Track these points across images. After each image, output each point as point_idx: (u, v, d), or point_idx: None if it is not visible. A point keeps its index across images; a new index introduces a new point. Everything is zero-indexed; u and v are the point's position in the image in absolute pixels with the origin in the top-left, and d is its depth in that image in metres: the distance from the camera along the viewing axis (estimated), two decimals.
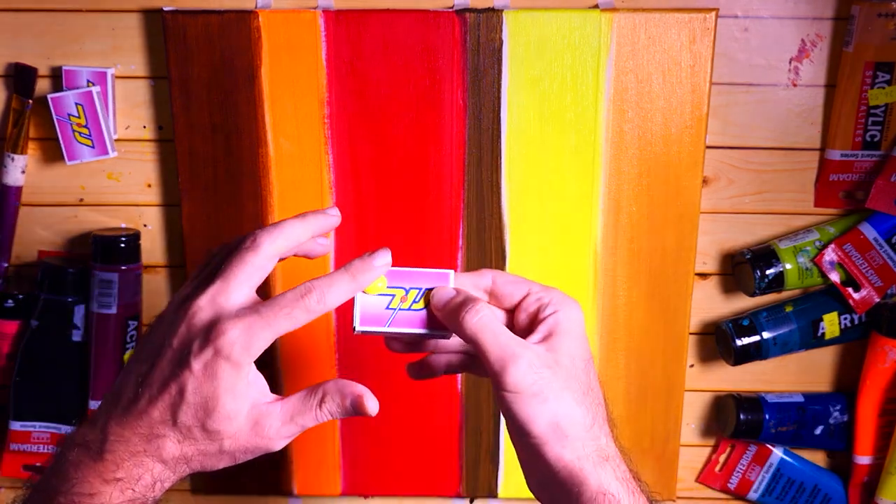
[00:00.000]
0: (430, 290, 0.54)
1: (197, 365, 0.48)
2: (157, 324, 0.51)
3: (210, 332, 0.48)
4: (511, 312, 0.55)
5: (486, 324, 0.51)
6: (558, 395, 0.50)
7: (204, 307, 0.49)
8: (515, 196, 0.79)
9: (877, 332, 0.80)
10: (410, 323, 0.54)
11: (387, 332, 0.55)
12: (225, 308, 0.49)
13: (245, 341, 0.47)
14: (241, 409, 0.49)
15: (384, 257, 0.52)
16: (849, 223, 0.79)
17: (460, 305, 0.52)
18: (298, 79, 0.76)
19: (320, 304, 0.49)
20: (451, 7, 0.76)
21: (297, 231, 0.52)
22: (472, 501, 0.88)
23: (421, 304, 0.54)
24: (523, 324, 0.54)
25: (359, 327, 0.54)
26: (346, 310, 0.82)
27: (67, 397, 0.81)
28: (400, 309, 0.54)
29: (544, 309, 0.53)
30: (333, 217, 0.54)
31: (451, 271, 0.54)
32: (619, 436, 0.55)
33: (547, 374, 0.50)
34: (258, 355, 0.48)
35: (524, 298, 0.54)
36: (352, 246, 0.80)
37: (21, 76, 0.78)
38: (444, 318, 0.53)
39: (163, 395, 0.48)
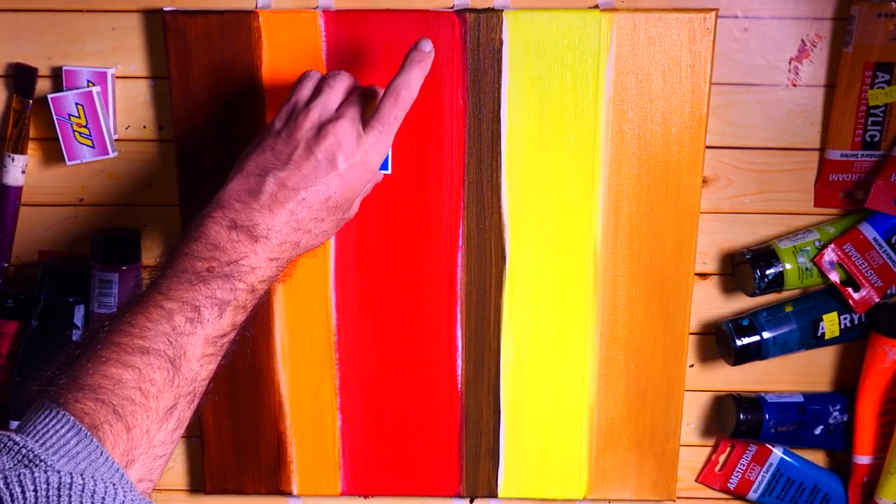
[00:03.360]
0: None
1: (343, 163, 0.62)
2: (277, 132, 0.64)
3: (357, 161, 0.63)
4: None
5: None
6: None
7: (311, 114, 0.64)
8: (515, 196, 0.79)
9: (877, 332, 0.80)
10: None
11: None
12: (364, 144, 0.64)
13: (379, 154, 0.64)
14: (361, 196, 0.67)
15: (428, 43, 0.66)
16: (849, 223, 0.79)
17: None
18: None
19: (410, 99, 0.65)
20: (451, 7, 0.76)
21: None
22: (472, 501, 0.88)
23: None
24: None
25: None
26: (347, 311, 0.81)
27: None
28: None
29: None
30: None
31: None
32: None
33: None
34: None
35: None
36: (352, 246, 0.80)
37: (21, 76, 0.78)
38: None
39: (311, 196, 0.62)
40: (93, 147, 0.77)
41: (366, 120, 0.64)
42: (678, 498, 0.87)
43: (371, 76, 0.76)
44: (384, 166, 0.70)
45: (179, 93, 0.77)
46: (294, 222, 0.61)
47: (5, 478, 0.44)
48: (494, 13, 0.75)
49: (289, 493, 0.87)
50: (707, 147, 0.78)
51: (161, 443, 0.54)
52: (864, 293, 0.79)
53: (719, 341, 0.83)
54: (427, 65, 0.66)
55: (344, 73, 0.67)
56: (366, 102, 0.66)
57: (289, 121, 0.64)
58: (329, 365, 0.83)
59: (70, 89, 0.77)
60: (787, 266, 0.78)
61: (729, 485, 0.87)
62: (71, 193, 0.81)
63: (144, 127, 0.80)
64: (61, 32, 0.78)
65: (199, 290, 0.57)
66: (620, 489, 0.86)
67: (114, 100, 0.79)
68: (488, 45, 0.75)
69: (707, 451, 0.87)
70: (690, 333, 0.83)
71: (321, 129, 0.63)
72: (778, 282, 0.78)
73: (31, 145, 0.80)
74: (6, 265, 0.81)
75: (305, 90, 0.67)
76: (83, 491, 0.45)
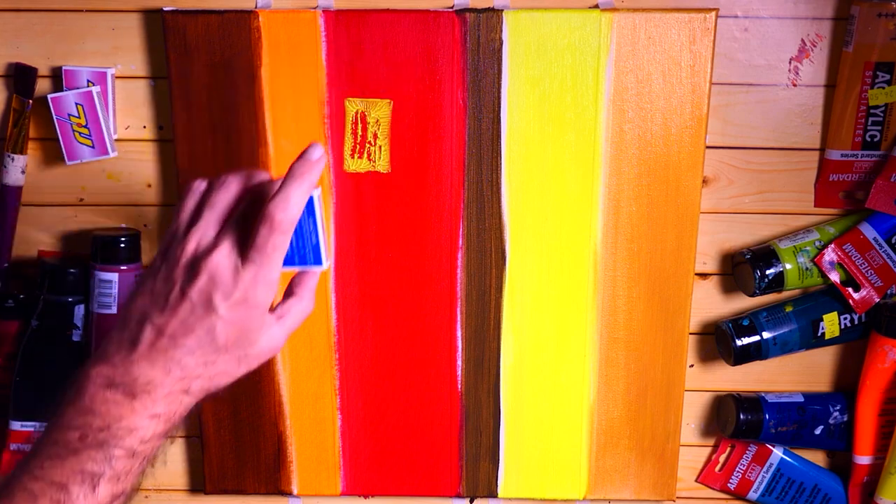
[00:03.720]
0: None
1: (223, 307, 0.54)
2: (157, 268, 0.56)
3: (236, 299, 0.54)
4: None
5: None
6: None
7: (188, 247, 0.55)
8: (515, 196, 0.79)
9: (877, 332, 0.80)
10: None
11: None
12: (242, 280, 0.54)
13: (263, 288, 0.54)
14: (261, 333, 0.56)
15: (317, 150, 0.56)
16: (849, 223, 0.79)
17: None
18: (298, 79, 0.76)
19: (290, 222, 0.54)
20: (451, 7, 0.76)
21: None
22: (472, 501, 0.88)
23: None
24: None
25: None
26: (347, 311, 0.81)
27: None
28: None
29: None
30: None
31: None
32: None
33: None
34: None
35: None
36: (352, 246, 0.80)
37: (21, 76, 0.78)
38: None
39: (188, 339, 0.54)
40: (93, 147, 0.77)
41: (245, 248, 0.55)
42: (678, 498, 0.87)
43: (371, 76, 0.76)
44: (317, 260, 0.58)
45: (179, 93, 0.77)
46: (178, 371, 0.54)
47: None
48: (494, 13, 0.75)
49: (289, 493, 0.87)
50: (707, 147, 0.78)
51: None
52: (865, 293, 0.79)
53: (719, 341, 0.83)
54: (314, 176, 0.55)
55: (232, 179, 0.57)
56: (256, 216, 0.55)
57: (167, 254, 0.56)
58: (329, 365, 0.83)
59: (70, 89, 0.77)
60: (787, 266, 0.78)
61: (729, 485, 0.87)
62: (71, 193, 0.81)
63: (144, 127, 0.80)
64: (61, 32, 0.78)
65: (67, 466, 0.51)
66: (620, 489, 0.86)
67: (114, 100, 0.79)
68: (488, 45, 0.75)
69: (707, 451, 0.87)
70: (690, 333, 0.83)
71: (195, 264, 0.55)
72: (778, 282, 0.78)
73: (31, 145, 0.80)
74: (6, 265, 0.81)
75: (185, 211, 0.57)
76: None
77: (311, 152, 0.56)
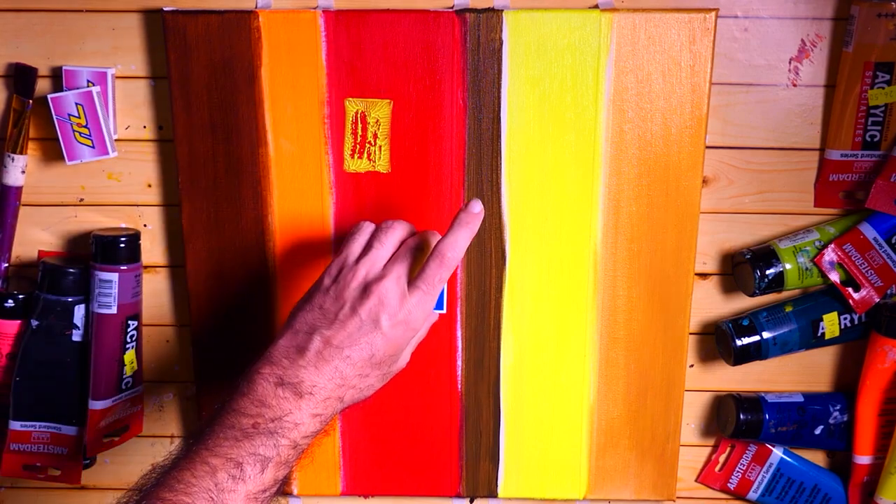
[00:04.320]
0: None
1: (386, 323, 0.64)
2: (326, 289, 0.67)
3: (400, 320, 0.65)
4: None
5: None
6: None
7: (358, 272, 0.66)
8: (515, 196, 0.79)
9: (877, 332, 0.80)
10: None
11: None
12: (407, 304, 0.65)
13: (422, 313, 0.66)
14: (409, 349, 0.70)
15: (478, 204, 0.67)
16: (849, 223, 0.79)
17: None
18: (298, 79, 0.76)
19: (456, 260, 0.66)
20: (451, 7, 0.76)
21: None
22: (472, 501, 0.88)
23: None
24: None
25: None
26: None
27: (67, 397, 0.81)
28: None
29: None
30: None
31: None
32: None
33: None
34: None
35: None
36: None
37: (21, 76, 0.78)
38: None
39: (352, 351, 0.64)
40: (93, 147, 0.77)
41: (412, 279, 0.66)
42: (678, 498, 0.87)
43: (371, 76, 0.76)
44: (439, 305, 0.72)
45: (179, 93, 0.77)
46: (339, 378, 0.64)
47: None
48: (494, 13, 0.75)
49: (289, 493, 0.87)
50: (707, 147, 0.78)
51: None
52: (864, 293, 0.79)
53: (719, 341, 0.83)
54: (475, 226, 0.67)
55: (397, 225, 0.69)
56: (415, 256, 0.68)
57: (338, 278, 0.67)
58: None
59: (70, 89, 0.77)
60: (787, 266, 0.78)
61: (729, 485, 0.87)
62: (71, 193, 0.81)
63: (144, 127, 0.80)
64: (61, 32, 0.78)
65: (242, 447, 0.59)
66: (620, 489, 0.86)
67: (114, 100, 0.79)
68: (488, 45, 0.75)
69: (707, 451, 0.87)
70: (690, 333, 0.83)
71: (366, 288, 0.65)
72: (778, 282, 0.78)
73: (31, 145, 0.80)
74: (6, 265, 0.81)
75: (356, 245, 0.69)
76: None
77: (473, 206, 0.67)
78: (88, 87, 0.77)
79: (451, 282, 0.81)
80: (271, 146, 0.78)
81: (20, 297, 0.80)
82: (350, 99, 0.77)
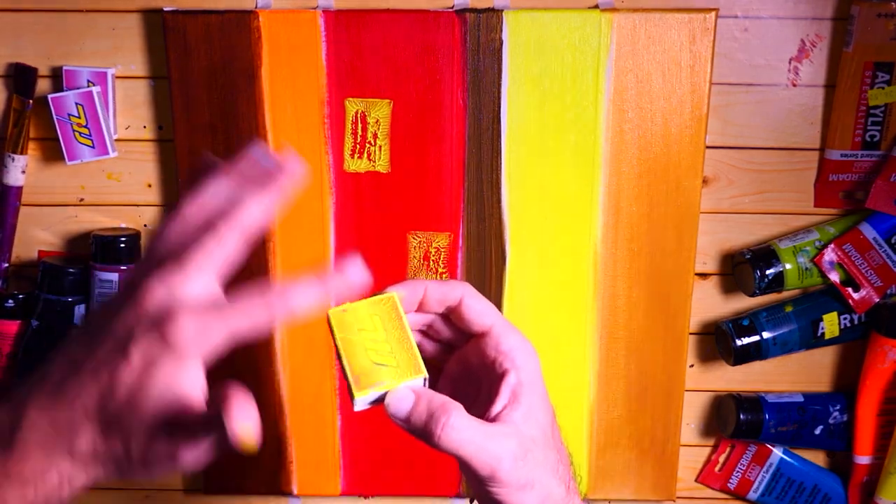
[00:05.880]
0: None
1: (136, 354, 0.41)
2: (101, 307, 0.47)
3: (158, 320, 0.41)
4: (458, 331, 0.54)
5: (464, 437, 0.48)
6: (542, 478, 0.49)
7: (156, 292, 0.42)
8: (515, 196, 0.79)
9: (877, 332, 0.80)
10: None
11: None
12: (179, 296, 0.42)
13: (196, 334, 0.41)
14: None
15: (358, 271, 0.47)
16: (848, 223, 0.79)
17: (428, 422, 0.48)
18: (298, 79, 0.76)
19: (285, 306, 0.44)
20: (451, 7, 0.76)
21: (258, 212, 0.46)
22: (472, 501, 0.88)
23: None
24: (475, 365, 0.53)
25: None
26: None
27: None
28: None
29: (503, 361, 0.51)
30: (288, 179, 0.47)
31: (422, 374, 0.49)
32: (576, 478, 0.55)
33: (531, 461, 0.49)
34: (209, 354, 0.42)
35: (483, 337, 0.52)
36: (351, 246, 0.80)
37: (21, 76, 0.78)
38: (411, 431, 0.50)
39: (92, 382, 0.42)
40: (93, 147, 0.77)
41: None
42: (678, 498, 0.87)
43: (371, 76, 0.76)
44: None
45: (179, 93, 0.77)
46: None
47: None
48: (494, 13, 0.75)
49: (289, 493, 0.87)
50: (707, 147, 0.78)
51: None
52: (864, 293, 0.79)
53: (719, 341, 0.83)
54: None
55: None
56: None
57: None
58: (329, 365, 0.83)
59: (70, 89, 0.77)
60: (787, 266, 0.78)
61: (729, 485, 0.87)
62: (71, 193, 0.81)
63: (144, 127, 0.80)
64: (61, 32, 0.78)
65: None
66: (620, 489, 0.86)
67: (114, 100, 0.79)
68: (488, 45, 0.75)
69: (707, 451, 0.87)
70: (690, 333, 0.83)
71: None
72: (778, 282, 0.78)
73: (31, 145, 0.80)
74: (6, 265, 0.81)
75: None
76: None
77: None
78: (88, 87, 0.77)
79: (450, 278, 0.81)
80: (271, 146, 0.78)
81: (20, 297, 0.80)
82: (350, 99, 0.77)
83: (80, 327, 0.47)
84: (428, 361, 0.51)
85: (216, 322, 0.42)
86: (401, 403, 0.49)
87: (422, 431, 0.48)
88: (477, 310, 0.52)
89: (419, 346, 0.51)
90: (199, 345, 0.42)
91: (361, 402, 0.50)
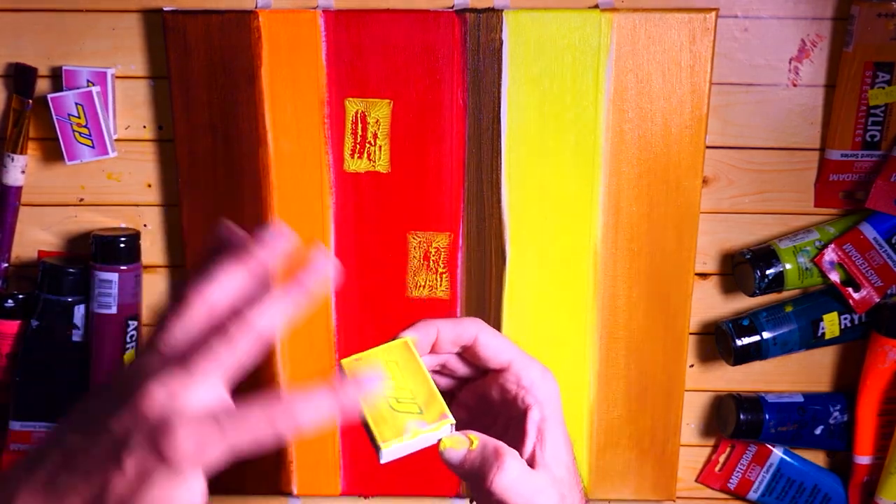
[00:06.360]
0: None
1: (130, 464, 0.38)
2: (102, 389, 0.43)
3: (154, 430, 0.38)
4: (473, 367, 0.53)
5: (515, 487, 0.48)
6: None
7: (156, 396, 0.39)
8: (515, 196, 0.79)
9: (877, 332, 0.80)
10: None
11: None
12: (180, 405, 0.39)
13: (194, 449, 0.38)
14: None
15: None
16: (849, 223, 0.79)
17: (482, 466, 0.48)
18: (298, 79, 0.76)
19: (291, 422, 0.40)
20: (451, 7, 0.76)
21: (277, 317, 0.42)
22: (472, 501, 0.88)
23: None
24: (495, 400, 0.52)
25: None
26: (347, 311, 0.81)
27: (67, 397, 0.81)
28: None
29: (524, 396, 0.51)
30: (315, 279, 0.43)
31: (449, 420, 0.48)
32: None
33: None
34: (208, 469, 0.40)
35: (502, 372, 0.52)
36: (352, 247, 0.80)
37: (21, 76, 0.78)
38: (461, 474, 0.49)
39: (84, 485, 0.39)
40: (93, 147, 0.77)
41: None
42: (678, 498, 0.87)
43: (371, 76, 0.76)
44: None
45: (179, 93, 0.77)
46: None
47: None
48: (494, 13, 0.75)
49: (289, 494, 0.87)
50: (707, 147, 0.78)
51: None
52: (864, 293, 0.79)
53: (719, 341, 0.82)
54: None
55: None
56: None
57: None
58: (329, 365, 0.82)
59: (70, 89, 0.77)
60: (787, 266, 0.78)
61: (729, 485, 0.87)
62: (71, 193, 0.81)
63: (144, 127, 0.80)
64: (61, 32, 0.78)
65: None
66: (620, 489, 0.86)
67: (114, 100, 0.79)
68: (488, 45, 0.75)
69: (707, 451, 0.87)
70: (690, 333, 0.83)
71: None
72: (778, 282, 0.78)
73: (31, 145, 0.80)
74: (6, 265, 0.81)
75: None
76: None
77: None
78: (88, 87, 0.77)
79: (451, 281, 0.81)
80: (271, 146, 0.78)
81: (20, 297, 0.80)
82: (350, 99, 0.77)
83: (79, 407, 0.44)
84: (441, 391, 0.50)
85: (216, 437, 0.39)
86: (456, 449, 0.49)
87: (475, 475, 0.48)
88: (493, 347, 0.52)
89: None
90: (196, 461, 0.39)
91: (388, 454, 0.48)
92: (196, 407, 0.40)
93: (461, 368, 0.54)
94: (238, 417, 0.40)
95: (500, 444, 0.48)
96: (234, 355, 0.41)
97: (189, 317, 0.42)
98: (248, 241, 0.44)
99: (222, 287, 0.43)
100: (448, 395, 0.54)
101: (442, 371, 0.54)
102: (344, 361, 0.49)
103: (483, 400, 0.54)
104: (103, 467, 0.39)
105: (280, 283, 0.42)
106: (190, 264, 0.81)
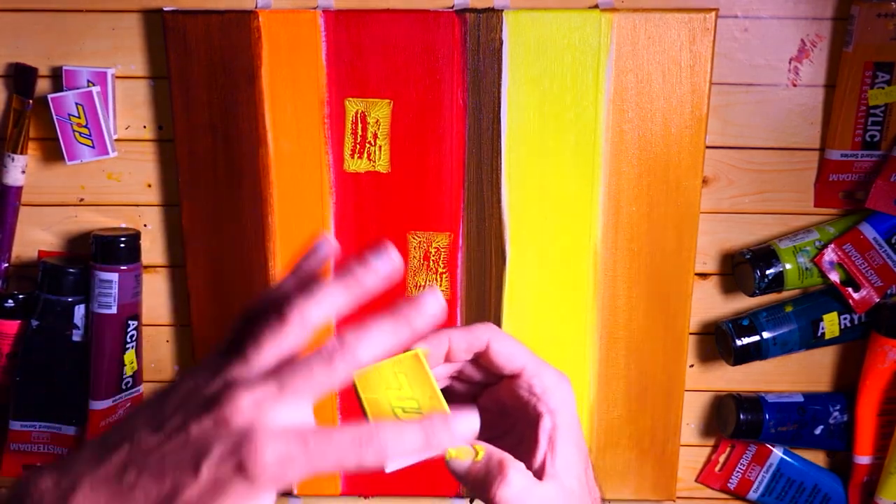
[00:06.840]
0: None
1: (207, 471, 0.38)
2: (181, 388, 0.41)
3: (239, 440, 0.38)
4: (488, 373, 0.53)
5: (519, 498, 0.47)
6: None
7: (244, 405, 0.38)
8: (515, 196, 0.79)
9: (877, 332, 0.80)
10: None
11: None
12: (267, 420, 0.39)
13: (277, 465, 0.38)
14: None
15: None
16: (848, 223, 0.79)
17: (486, 477, 0.47)
18: (298, 79, 0.76)
19: (378, 456, 0.40)
20: (451, 7, 0.76)
21: (382, 348, 0.43)
22: (471, 501, 0.88)
23: None
24: (509, 406, 0.52)
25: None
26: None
27: (67, 397, 0.81)
28: None
29: (536, 404, 0.51)
30: (427, 317, 0.43)
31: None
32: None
33: None
34: (284, 487, 0.39)
35: (515, 378, 0.51)
36: (351, 246, 0.80)
37: (21, 76, 0.78)
38: (466, 484, 0.49)
39: (154, 484, 0.38)
40: (93, 147, 0.77)
41: None
42: (678, 498, 0.87)
43: (371, 76, 0.76)
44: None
45: (179, 93, 0.77)
46: None
47: None
48: (494, 13, 0.75)
49: (289, 493, 0.87)
50: (707, 147, 0.78)
51: None
52: (864, 293, 0.79)
53: (719, 341, 0.83)
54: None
55: None
56: None
57: None
58: None
59: (70, 89, 0.77)
60: (787, 266, 0.78)
61: (729, 485, 0.87)
62: (71, 193, 0.81)
63: (144, 127, 0.80)
64: (61, 32, 0.78)
65: None
66: (620, 489, 0.86)
67: (114, 100, 0.79)
68: (488, 45, 0.75)
69: (707, 451, 0.87)
70: (690, 333, 0.83)
71: None
72: (778, 282, 0.78)
73: (31, 145, 0.80)
74: (6, 265, 0.81)
75: None
76: None
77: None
78: (88, 87, 0.77)
79: (451, 281, 0.81)
80: (271, 146, 0.78)
81: (20, 297, 0.80)
82: (350, 99, 0.77)
83: (152, 402, 0.42)
84: (460, 397, 0.50)
85: (301, 455, 0.38)
86: (461, 459, 0.48)
87: (479, 486, 0.48)
88: (505, 353, 0.51)
89: (450, 390, 0.50)
90: (277, 478, 0.38)
91: (394, 464, 0.48)
92: (283, 423, 0.39)
93: (476, 375, 0.53)
94: (326, 438, 0.39)
95: (505, 455, 0.48)
96: (329, 379, 0.41)
97: (285, 333, 0.41)
98: (353, 262, 0.43)
99: (321, 308, 0.42)
100: (468, 401, 0.54)
101: (459, 378, 0.54)
102: (356, 375, 0.49)
103: (500, 405, 0.53)
104: (178, 471, 0.38)
105: (385, 312, 0.42)
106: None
